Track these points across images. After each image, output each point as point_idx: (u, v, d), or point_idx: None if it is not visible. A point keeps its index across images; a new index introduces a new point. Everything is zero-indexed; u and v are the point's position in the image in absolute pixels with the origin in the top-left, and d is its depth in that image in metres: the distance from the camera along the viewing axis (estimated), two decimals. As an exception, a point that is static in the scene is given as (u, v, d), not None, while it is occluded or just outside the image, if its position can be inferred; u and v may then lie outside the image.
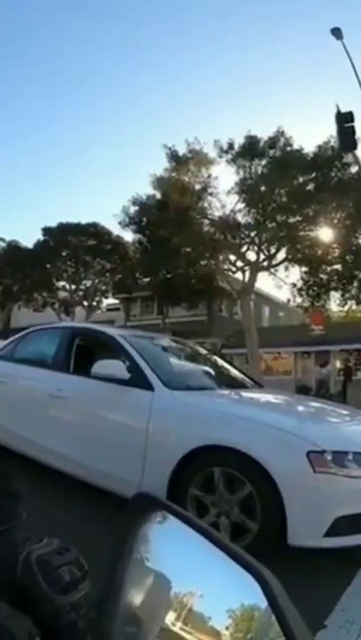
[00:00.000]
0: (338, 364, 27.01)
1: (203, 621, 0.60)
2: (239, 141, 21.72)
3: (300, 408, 4.93)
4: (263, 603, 0.53)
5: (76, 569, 0.67)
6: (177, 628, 0.61)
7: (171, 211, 21.21)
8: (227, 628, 0.58)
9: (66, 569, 0.66)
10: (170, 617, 0.62)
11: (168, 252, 22.26)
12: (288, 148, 21.20)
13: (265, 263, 22.94)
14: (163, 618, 0.62)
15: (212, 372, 5.56)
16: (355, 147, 15.81)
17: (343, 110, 14.82)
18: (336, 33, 17.28)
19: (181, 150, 22.34)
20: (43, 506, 3.56)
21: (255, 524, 3.29)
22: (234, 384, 5.34)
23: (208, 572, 0.62)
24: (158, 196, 23.38)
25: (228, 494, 3.45)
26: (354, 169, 20.02)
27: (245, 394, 4.99)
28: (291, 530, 3.17)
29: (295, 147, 21.20)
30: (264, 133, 21.74)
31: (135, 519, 0.68)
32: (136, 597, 0.65)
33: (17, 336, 6.31)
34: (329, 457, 3.25)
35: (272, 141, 21.34)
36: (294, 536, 3.18)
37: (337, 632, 2.60)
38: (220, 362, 6.14)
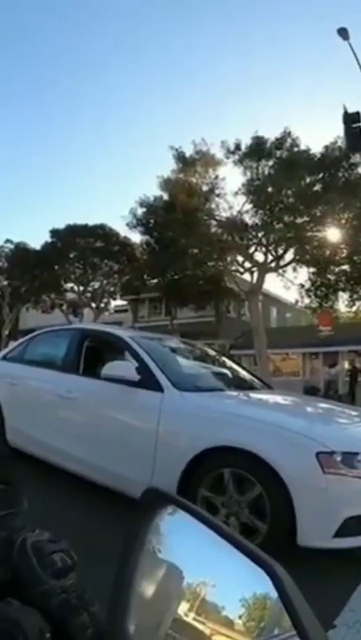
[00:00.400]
0: (346, 365, 26.89)
1: (216, 611, 0.60)
2: (246, 142, 21.70)
3: (309, 409, 4.93)
4: (275, 593, 0.54)
5: (66, 557, 0.70)
6: (190, 619, 0.61)
7: (178, 212, 21.19)
8: (239, 617, 0.59)
9: (58, 556, 0.69)
10: (183, 607, 0.62)
11: (176, 254, 22.27)
12: (295, 149, 21.12)
13: (273, 264, 22.87)
14: (175, 608, 0.62)
15: (221, 374, 5.56)
16: (362, 147, 15.77)
17: (350, 111, 14.79)
18: (343, 33, 17.23)
19: (188, 151, 22.35)
20: (48, 505, 3.60)
21: (265, 524, 3.30)
22: (243, 385, 5.35)
23: (220, 564, 0.62)
24: (166, 197, 23.36)
25: (238, 495, 3.46)
26: (361, 169, 20.03)
27: (254, 395, 5.00)
28: (300, 530, 3.18)
29: (302, 147, 21.16)
30: (271, 134, 21.71)
31: (146, 513, 0.69)
32: (148, 588, 0.65)
33: (26, 338, 6.35)
34: (338, 458, 3.26)
35: (279, 142, 21.28)
36: (304, 537, 3.19)
37: (347, 632, 2.60)
38: (229, 363, 6.14)
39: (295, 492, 3.20)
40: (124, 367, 4.44)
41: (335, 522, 3.17)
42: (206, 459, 3.61)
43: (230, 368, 5.88)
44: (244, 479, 3.46)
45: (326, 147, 20.70)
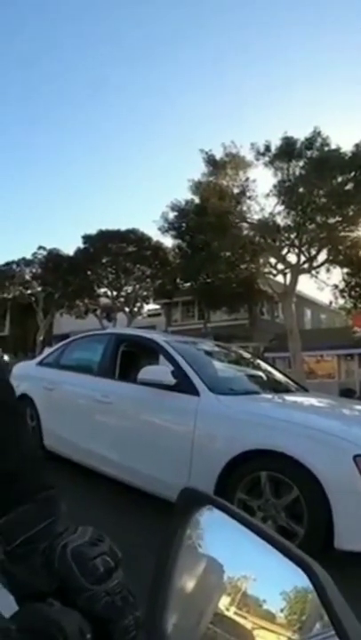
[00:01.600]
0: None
1: (257, 605, 0.60)
2: (276, 143, 21.68)
3: (345, 411, 4.88)
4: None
5: (109, 558, 0.69)
6: (231, 613, 0.61)
7: (210, 215, 21.22)
8: (281, 611, 0.58)
9: (100, 560, 0.68)
10: (224, 601, 0.62)
11: (208, 257, 22.30)
12: (325, 148, 20.97)
13: (306, 265, 22.70)
14: (216, 603, 0.62)
15: (256, 376, 5.55)
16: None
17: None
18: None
19: (218, 154, 22.39)
20: (86, 508, 3.64)
21: (302, 528, 3.29)
22: (278, 388, 5.33)
23: (259, 560, 0.61)
24: (197, 200, 23.43)
25: (275, 498, 3.46)
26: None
27: (290, 397, 4.98)
28: (338, 534, 3.16)
29: (332, 146, 21.00)
30: (301, 134, 21.66)
31: (184, 510, 0.69)
32: (188, 583, 0.65)
33: (62, 343, 6.45)
34: (375, 460, 3.23)
35: (309, 142, 21.17)
36: (341, 540, 3.17)
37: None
38: (264, 365, 6.12)
39: (332, 494, 3.18)
40: (160, 371, 4.48)
41: (373, 525, 3.15)
42: (243, 462, 3.61)
43: (265, 371, 5.86)
44: (280, 482, 3.46)
45: (357, 145, 20.50)
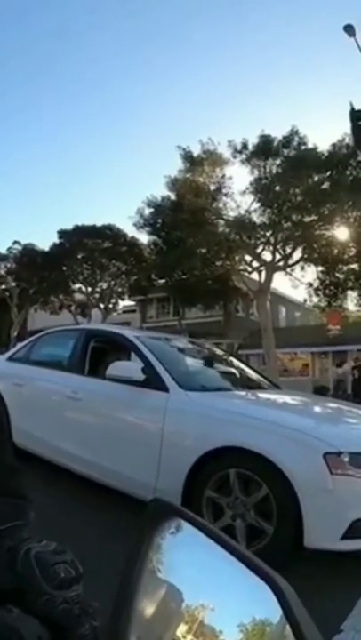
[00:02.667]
0: (352, 364, 26.77)
1: (214, 635, 0.60)
2: (253, 141, 21.77)
3: (317, 409, 4.90)
4: (276, 616, 0.54)
5: (71, 569, 0.70)
6: None
7: (186, 212, 21.25)
8: None
9: (62, 567, 0.69)
10: (181, 629, 0.61)
11: (183, 253, 22.29)
12: (302, 147, 21.16)
13: (281, 263, 22.88)
14: (174, 630, 0.62)
15: (229, 373, 5.53)
16: (369, 144, 15.74)
17: (357, 107, 14.75)
18: (349, 30, 17.19)
19: (196, 151, 22.42)
20: (52, 509, 3.59)
21: (271, 526, 3.26)
22: (250, 385, 5.32)
23: (221, 581, 0.62)
24: (173, 197, 23.44)
25: (244, 496, 3.42)
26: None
27: (262, 395, 4.97)
28: (307, 532, 3.14)
29: (309, 145, 21.21)
30: (278, 133, 21.79)
31: (149, 527, 0.69)
32: (148, 608, 0.65)
33: (32, 338, 6.34)
34: (346, 458, 3.22)
35: (286, 140, 21.33)
36: (311, 538, 3.15)
37: (354, 636, 2.57)
38: (237, 362, 6.12)
39: (302, 493, 3.16)
40: (129, 367, 4.43)
41: (343, 524, 3.13)
42: (212, 459, 3.57)
43: (238, 368, 5.85)
44: (250, 480, 3.42)
45: (334, 144, 20.73)
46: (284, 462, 3.26)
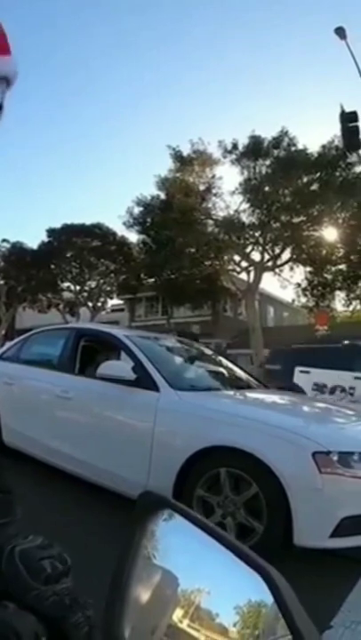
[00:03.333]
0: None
1: (210, 618, 0.60)
2: (243, 142, 21.84)
3: (306, 408, 4.93)
4: (270, 600, 0.54)
5: (58, 563, 0.69)
6: (184, 625, 0.60)
7: (175, 211, 21.24)
8: (234, 625, 0.58)
9: (47, 562, 0.68)
10: (177, 614, 0.61)
11: (172, 253, 22.29)
12: (292, 148, 21.25)
13: (269, 263, 22.95)
14: (170, 615, 0.61)
15: (217, 373, 5.55)
16: (359, 146, 15.80)
17: (348, 110, 14.82)
18: (340, 32, 17.25)
19: (186, 151, 22.41)
20: (41, 506, 3.59)
21: (261, 524, 3.29)
22: (239, 384, 5.34)
23: (214, 569, 0.62)
24: (163, 196, 23.42)
25: (234, 495, 3.45)
26: (358, 169, 20.06)
27: (251, 394, 4.99)
28: (297, 530, 3.18)
29: (299, 146, 21.30)
30: (268, 133, 21.85)
31: (142, 517, 0.68)
32: (143, 594, 0.65)
33: (22, 337, 6.33)
34: (335, 457, 3.25)
35: (276, 141, 21.39)
36: (300, 537, 3.19)
37: (343, 632, 2.60)
38: (226, 362, 6.13)
39: (291, 491, 3.19)
40: (120, 366, 4.44)
41: (331, 522, 3.17)
42: (202, 458, 3.60)
43: (227, 367, 5.87)
44: (240, 479, 3.45)
45: (324, 146, 20.84)
46: (274, 461, 3.29)
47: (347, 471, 3.23)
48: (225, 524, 3.40)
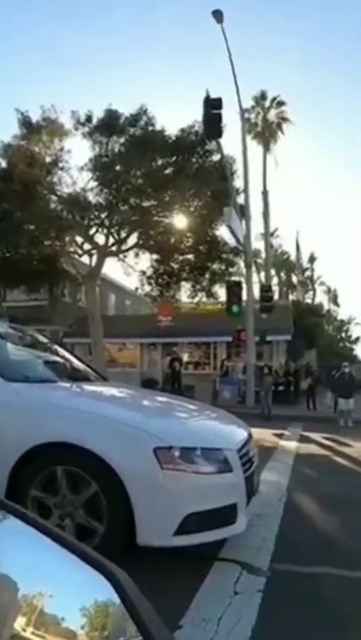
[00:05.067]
0: (186, 357, 27.67)
1: (56, 623, 0.60)
2: (98, 115, 21.45)
3: (146, 402, 5.02)
4: (117, 599, 0.56)
5: None
6: (28, 634, 0.60)
7: (16, 182, 20.40)
8: (82, 628, 0.59)
9: None
10: (20, 621, 0.60)
11: (9, 228, 21.36)
12: (150, 128, 21.24)
13: (114, 248, 22.94)
14: (12, 624, 0.60)
15: (53, 363, 5.45)
16: (220, 134, 16.35)
17: (213, 96, 15.24)
18: (217, 16, 17.74)
19: (35, 117, 21.61)
20: None
21: (102, 525, 3.32)
22: (76, 376, 5.31)
23: (56, 572, 0.62)
24: (3, 164, 22.38)
25: (72, 495, 3.44)
26: (216, 157, 20.70)
27: (88, 387, 4.99)
28: (139, 529, 3.25)
29: (157, 127, 21.36)
30: (126, 109, 21.70)
31: None
32: None
33: None
34: (176, 453, 3.36)
35: (133, 119, 21.28)
36: (143, 536, 3.26)
37: (193, 631, 2.70)
38: (62, 352, 6.05)
39: (132, 489, 3.25)
40: None
41: (175, 519, 3.28)
42: (37, 456, 3.53)
43: (63, 357, 5.80)
44: (78, 477, 3.45)
45: (183, 129, 21.08)
46: (114, 458, 3.33)
47: (189, 467, 3.35)
48: (63, 525, 3.36)
